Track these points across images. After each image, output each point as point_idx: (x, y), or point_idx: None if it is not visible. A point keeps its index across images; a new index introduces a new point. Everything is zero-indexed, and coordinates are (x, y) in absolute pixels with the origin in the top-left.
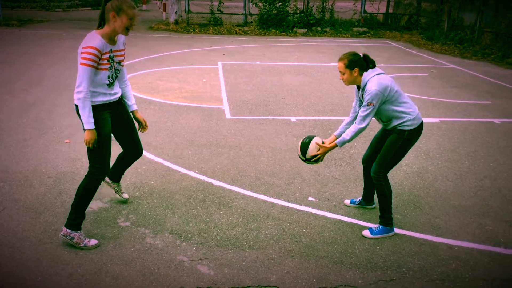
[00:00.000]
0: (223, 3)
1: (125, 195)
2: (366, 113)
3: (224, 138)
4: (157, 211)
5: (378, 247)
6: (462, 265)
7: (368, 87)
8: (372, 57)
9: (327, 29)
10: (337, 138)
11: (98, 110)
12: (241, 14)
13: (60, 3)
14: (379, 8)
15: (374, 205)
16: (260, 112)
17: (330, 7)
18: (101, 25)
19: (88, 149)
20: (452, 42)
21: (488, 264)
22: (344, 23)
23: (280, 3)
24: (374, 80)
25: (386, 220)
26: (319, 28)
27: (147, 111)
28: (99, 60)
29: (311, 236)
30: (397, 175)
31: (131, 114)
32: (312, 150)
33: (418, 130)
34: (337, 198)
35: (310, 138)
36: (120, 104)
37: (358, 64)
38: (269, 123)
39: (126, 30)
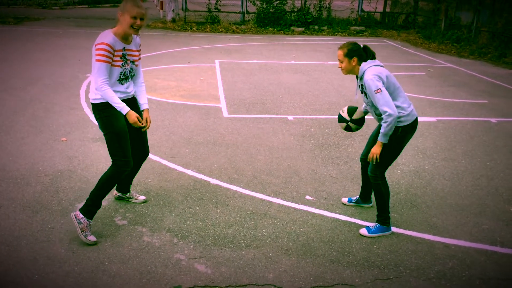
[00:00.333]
0: (221, 1)
1: (141, 198)
2: (380, 102)
3: (221, 137)
4: (154, 210)
5: (375, 246)
6: (458, 264)
7: (365, 77)
8: None
9: (325, 28)
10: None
11: (109, 106)
12: (239, 13)
13: (57, 0)
14: (376, 7)
15: (371, 204)
16: (257, 110)
17: (328, 5)
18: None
19: (109, 144)
20: (449, 41)
21: (485, 263)
22: (342, 21)
23: (278, 2)
24: (370, 70)
25: (383, 219)
26: (316, 27)
27: None
28: (113, 56)
29: (308, 234)
30: (394, 174)
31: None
32: (358, 114)
33: (412, 127)
34: (334, 197)
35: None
36: (133, 104)
37: (357, 53)
38: (266, 122)
39: (132, 28)
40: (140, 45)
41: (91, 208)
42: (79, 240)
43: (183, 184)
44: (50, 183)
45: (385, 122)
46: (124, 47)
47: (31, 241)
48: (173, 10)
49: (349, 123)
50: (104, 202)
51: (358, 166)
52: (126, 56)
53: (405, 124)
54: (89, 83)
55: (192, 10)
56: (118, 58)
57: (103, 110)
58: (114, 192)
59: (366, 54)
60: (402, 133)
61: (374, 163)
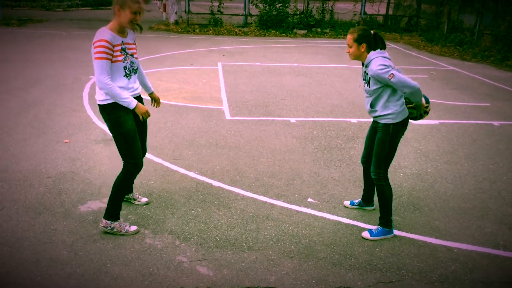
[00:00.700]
0: (223, 4)
1: (144, 199)
2: (398, 85)
3: (224, 139)
4: (156, 212)
5: (377, 249)
6: (461, 267)
7: (371, 68)
8: None
9: (327, 31)
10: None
11: (119, 107)
12: (241, 15)
13: (60, 2)
14: (379, 10)
15: (374, 206)
16: (260, 113)
17: (330, 8)
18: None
19: (119, 146)
20: (452, 44)
21: (487, 267)
22: (344, 24)
23: (280, 4)
24: (378, 60)
25: (386, 221)
26: (319, 29)
27: None
28: (113, 52)
29: (311, 237)
30: (396, 177)
31: (150, 96)
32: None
33: (402, 124)
34: (337, 200)
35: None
36: (140, 102)
37: (367, 40)
38: (268, 124)
39: (132, 23)
40: (135, 40)
41: (113, 212)
42: (82, 242)
43: (186, 186)
44: (53, 185)
45: (413, 99)
46: (123, 41)
47: (34, 242)
48: (176, 13)
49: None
50: (106, 204)
51: (360, 169)
52: (126, 50)
53: (396, 122)
54: (93, 85)
55: (195, 13)
56: (119, 53)
57: (111, 112)
58: None
59: (375, 42)
60: (394, 131)
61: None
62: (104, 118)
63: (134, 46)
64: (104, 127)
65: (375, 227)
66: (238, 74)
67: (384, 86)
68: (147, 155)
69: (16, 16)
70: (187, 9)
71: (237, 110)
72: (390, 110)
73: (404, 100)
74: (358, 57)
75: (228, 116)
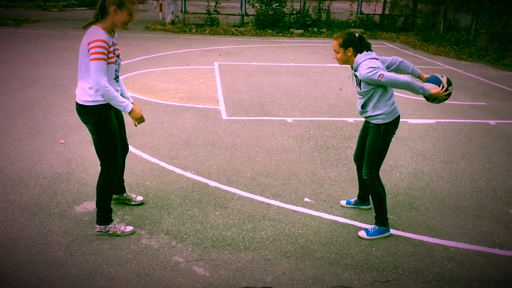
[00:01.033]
0: (220, 4)
1: (139, 198)
2: (391, 84)
3: (220, 139)
4: (152, 212)
5: (373, 248)
6: (457, 266)
7: (360, 72)
8: None
9: (324, 30)
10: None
11: (104, 109)
12: (238, 15)
13: (56, 2)
14: (375, 9)
15: (370, 205)
16: (256, 112)
17: (327, 8)
18: (98, 17)
19: (98, 148)
20: (448, 44)
21: (483, 265)
22: (341, 24)
23: (277, 4)
24: (365, 63)
25: (382, 220)
26: (315, 29)
27: (143, 111)
28: (108, 53)
29: (307, 237)
30: (393, 176)
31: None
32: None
33: (393, 124)
34: (333, 199)
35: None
36: None
37: (353, 43)
38: (265, 124)
39: (125, 25)
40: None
41: (104, 216)
42: (77, 243)
43: (182, 186)
44: (49, 186)
45: (413, 83)
46: (113, 42)
47: (29, 243)
48: (172, 12)
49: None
50: None
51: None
52: (115, 51)
53: (387, 122)
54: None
55: (192, 12)
56: (112, 55)
57: (96, 113)
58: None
59: (361, 45)
60: (385, 130)
61: (367, 160)
62: (85, 119)
63: (118, 47)
64: None
65: (372, 226)
66: (235, 74)
67: (376, 87)
68: (143, 155)
69: (11, 16)
70: (183, 9)
71: (234, 110)
72: (381, 110)
73: (394, 100)
74: (346, 61)
75: (224, 116)
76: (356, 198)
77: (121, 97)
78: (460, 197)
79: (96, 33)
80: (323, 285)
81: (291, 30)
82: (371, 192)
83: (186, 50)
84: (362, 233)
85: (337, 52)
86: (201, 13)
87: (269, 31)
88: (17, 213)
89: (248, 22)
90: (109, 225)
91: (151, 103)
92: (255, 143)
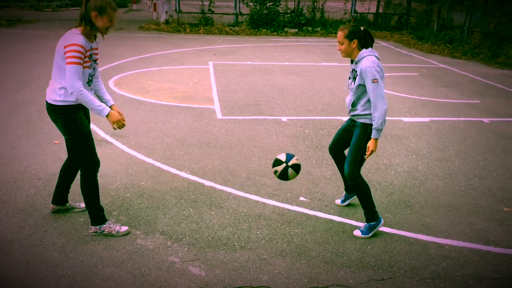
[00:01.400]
0: (214, 3)
1: (83, 205)
2: (375, 93)
3: (215, 138)
4: (148, 212)
5: (369, 247)
6: (452, 264)
7: (363, 64)
8: None
9: (318, 29)
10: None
11: (73, 109)
12: (232, 14)
13: (49, 2)
14: (369, 8)
15: None
16: (251, 112)
17: (321, 7)
18: (82, 22)
19: (72, 149)
20: (442, 42)
21: (478, 263)
22: (335, 23)
23: (271, 3)
24: (370, 58)
25: (371, 215)
26: (309, 28)
27: (137, 111)
28: (84, 58)
29: (303, 236)
30: (387, 175)
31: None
32: (294, 161)
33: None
34: (328, 198)
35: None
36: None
37: (358, 36)
38: (260, 123)
39: (106, 30)
40: (97, 42)
41: (98, 215)
42: (72, 244)
43: (177, 187)
44: (43, 186)
45: (375, 118)
46: (91, 46)
47: (24, 244)
48: (166, 12)
49: (289, 168)
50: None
51: None
52: (92, 56)
53: None
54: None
55: (186, 12)
56: (87, 59)
57: (65, 113)
58: (50, 207)
59: (365, 39)
60: (371, 130)
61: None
62: (55, 118)
63: (97, 52)
64: (95, 127)
65: (363, 225)
66: (229, 73)
67: (364, 86)
68: (138, 155)
69: (5, 16)
70: (177, 9)
71: (229, 109)
72: (370, 110)
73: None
74: (349, 54)
75: (219, 115)
76: (344, 192)
77: (97, 100)
78: (455, 195)
79: (74, 37)
80: (319, 284)
81: (286, 29)
82: (355, 190)
83: (180, 49)
84: (357, 233)
85: (342, 44)
86: (195, 13)
87: (263, 30)
88: (12, 214)
89: (242, 22)
90: (104, 225)
91: (145, 103)
92: (250, 143)
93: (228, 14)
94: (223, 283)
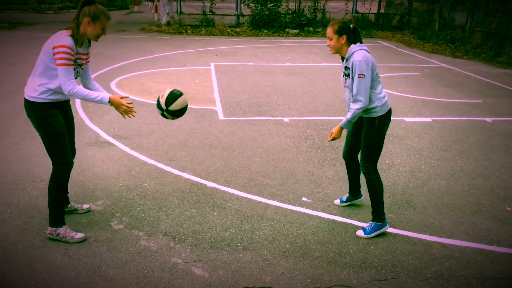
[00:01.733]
0: (215, 4)
1: (85, 206)
2: (358, 88)
3: (217, 139)
4: (150, 213)
5: (372, 247)
6: (455, 264)
7: (353, 58)
8: None
9: (319, 30)
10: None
11: (47, 107)
12: (233, 15)
13: (51, 5)
14: (370, 8)
15: (362, 197)
16: (253, 113)
17: (322, 7)
18: (73, 26)
19: (46, 145)
20: (444, 42)
21: (481, 263)
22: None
23: (272, 4)
24: (360, 52)
25: (378, 215)
26: (311, 29)
27: (139, 113)
28: (73, 58)
29: (305, 236)
30: (390, 175)
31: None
32: (178, 104)
33: (387, 116)
34: (331, 198)
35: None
36: (68, 104)
37: (347, 32)
38: (262, 124)
39: (97, 37)
40: (87, 47)
41: (56, 217)
42: (76, 245)
43: (180, 188)
44: (46, 188)
45: (352, 110)
46: (78, 51)
47: (27, 246)
48: (167, 13)
49: (165, 112)
50: (99, 207)
51: None
52: (77, 61)
53: (381, 115)
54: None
55: (187, 13)
56: (72, 63)
57: (39, 110)
58: None
59: (355, 35)
60: (379, 124)
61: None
62: (29, 114)
63: (85, 57)
64: (97, 129)
65: (368, 224)
66: (231, 74)
67: None
68: (141, 156)
69: (6, 19)
70: (178, 10)
71: (230, 110)
72: (374, 104)
73: (385, 94)
74: (338, 50)
75: (221, 116)
76: (348, 194)
77: (93, 92)
78: (458, 195)
79: (63, 39)
80: (322, 285)
81: (287, 30)
82: (368, 185)
83: (182, 51)
84: (360, 233)
85: (331, 39)
86: (196, 14)
87: (264, 31)
88: (15, 216)
89: (243, 23)
90: (61, 229)
91: (147, 104)
92: (252, 143)
93: (229, 15)
94: (226, 284)
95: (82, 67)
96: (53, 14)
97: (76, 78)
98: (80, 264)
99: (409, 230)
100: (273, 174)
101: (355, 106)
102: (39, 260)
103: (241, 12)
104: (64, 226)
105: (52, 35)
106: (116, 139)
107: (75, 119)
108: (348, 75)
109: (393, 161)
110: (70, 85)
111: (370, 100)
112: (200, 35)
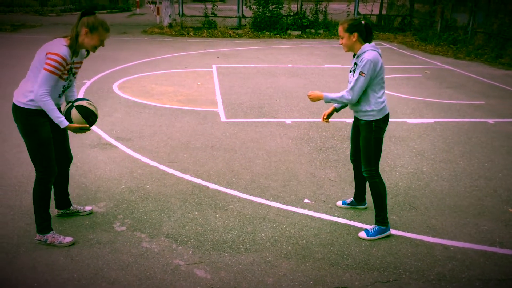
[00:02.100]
0: (217, 6)
1: (88, 208)
2: (355, 83)
3: (219, 141)
4: (152, 215)
5: (374, 249)
6: (458, 265)
7: (364, 55)
8: None
9: (321, 31)
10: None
11: (34, 114)
12: (235, 17)
13: (53, 7)
14: (372, 10)
15: (366, 205)
16: (255, 114)
17: (324, 9)
18: (71, 35)
19: (30, 152)
20: (446, 43)
21: (484, 264)
22: (338, 25)
23: (274, 6)
24: (372, 53)
25: (382, 218)
26: (313, 30)
27: (141, 115)
28: (64, 70)
29: (307, 238)
30: (392, 176)
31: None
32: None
33: (383, 121)
34: (333, 200)
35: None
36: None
37: (358, 29)
38: (264, 126)
39: (94, 48)
40: (85, 56)
41: (43, 223)
42: (78, 247)
43: (182, 189)
44: None
45: (342, 95)
46: (73, 60)
47: (30, 248)
48: (169, 16)
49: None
50: (102, 209)
51: None
52: (72, 69)
53: (377, 119)
54: (89, 90)
55: (189, 15)
56: (66, 72)
57: (26, 117)
58: (54, 211)
59: (366, 31)
60: (376, 127)
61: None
62: (16, 119)
63: (79, 66)
64: (100, 131)
65: (371, 226)
66: (233, 76)
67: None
68: (143, 158)
69: (9, 21)
70: (180, 12)
71: (232, 112)
72: (372, 106)
73: (385, 99)
74: (350, 47)
75: (223, 118)
76: (352, 198)
77: (57, 111)
78: (460, 196)
79: (58, 47)
80: (324, 286)
81: (289, 31)
82: (371, 189)
83: (184, 53)
84: (362, 234)
85: (342, 38)
86: (198, 16)
87: (266, 33)
88: (18, 218)
89: (245, 24)
90: (48, 234)
91: (149, 106)
92: (254, 145)
93: (231, 17)
94: (228, 285)
95: (75, 75)
96: (55, 17)
97: (69, 86)
98: (83, 266)
99: (411, 232)
100: (275, 176)
101: (346, 96)
102: (41, 262)
103: (243, 14)
104: (51, 232)
105: (49, 41)
106: (118, 141)
107: None
108: (354, 71)
109: (395, 163)
110: (44, 92)
111: (369, 102)
112: (202, 37)
